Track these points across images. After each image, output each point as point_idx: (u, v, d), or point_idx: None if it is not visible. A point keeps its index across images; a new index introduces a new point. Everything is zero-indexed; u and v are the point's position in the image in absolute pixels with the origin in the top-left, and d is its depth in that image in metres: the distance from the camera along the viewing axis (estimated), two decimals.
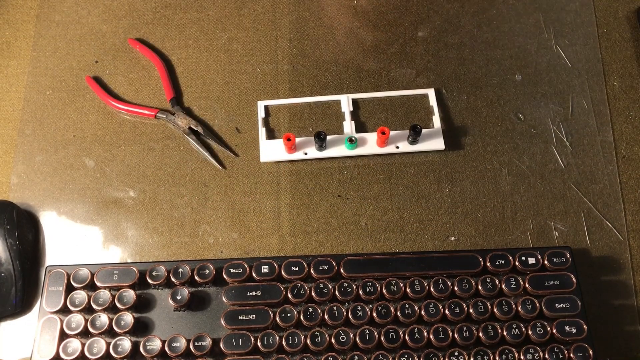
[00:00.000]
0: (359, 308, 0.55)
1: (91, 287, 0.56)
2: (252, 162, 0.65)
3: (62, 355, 0.53)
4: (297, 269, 0.57)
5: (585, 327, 0.55)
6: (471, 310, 0.55)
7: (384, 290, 0.56)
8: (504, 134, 0.66)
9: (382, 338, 0.54)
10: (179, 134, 0.66)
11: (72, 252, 0.61)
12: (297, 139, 0.64)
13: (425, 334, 0.54)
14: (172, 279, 0.56)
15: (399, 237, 0.62)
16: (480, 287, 0.56)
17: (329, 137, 0.64)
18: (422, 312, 0.55)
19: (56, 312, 0.55)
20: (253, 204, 0.63)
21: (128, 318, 0.55)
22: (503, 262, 0.57)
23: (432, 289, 0.56)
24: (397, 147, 0.65)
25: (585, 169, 0.64)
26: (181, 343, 0.54)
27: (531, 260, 0.57)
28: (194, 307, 0.56)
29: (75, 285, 0.56)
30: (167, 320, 0.56)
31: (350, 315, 0.55)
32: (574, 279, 0.57)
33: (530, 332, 0.55)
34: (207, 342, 0.54)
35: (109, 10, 0.72)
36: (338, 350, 0.54)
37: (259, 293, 0.56)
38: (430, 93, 0.67)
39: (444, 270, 0.57)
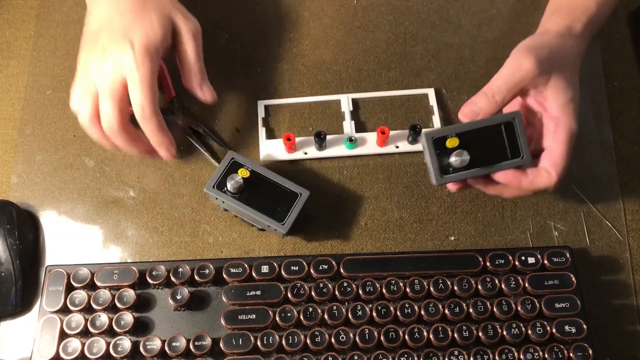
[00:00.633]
0: (359, 308, 0.55)
1: (91, 286, 0.57)
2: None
3: (62, 354, 0.53)
4: (297, 268, 0.57)
5: (584, 326, 0.55)
6: (471, 310, 0.55)
7: (384, 290, 0.56)
8: None
9: (382, 338, 0.54)
10: (178, 134, 0.66)
11: (72, 252, 0.61)
12: (297, 139, 0.64)
13: (425, 333, 0.54)
14: (172, 279, 0.56)
15: (399, 236, 0.62)
16: (480, 287, 0.56)
17: (328, 137, 0.64)
18: (422, 312, 0.55)
19: (56, 312, 0.55)
20: None
21: (128, 318, 0.55)
22: (503, 261, 0.57)
23: (431, 289, 0.56)
24: (397, 147, 0.65)
25: (585, 169, 0.64)
26: (181, 343, 0.54)
27: (531, 260, 0.57)
28: (194, 306, 0.56)
29: (75, 285, 0.56)
30: (167, 320, 0.56)
31: (350, 315, 0.55)
32: (573, 279, 0.57)
33: (530, 331, 0.55)
34: (207, 341, 0.54)
35: None
36: (338, 350, 0.54)
37: (258, 293, 0.56)
38: (430, 93, 0.67)
39: (444, 270, 0.57)
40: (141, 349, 0.53)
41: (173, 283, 0.56)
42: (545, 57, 0.53)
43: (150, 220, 0.62)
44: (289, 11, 0.72)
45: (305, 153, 0.64)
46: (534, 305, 0.55)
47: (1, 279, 0.57)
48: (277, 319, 0.55)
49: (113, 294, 0.56)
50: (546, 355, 0.54)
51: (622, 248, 0.61)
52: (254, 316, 0.55)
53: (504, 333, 0.55)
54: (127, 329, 0.54)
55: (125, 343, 0.54)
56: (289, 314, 0.55)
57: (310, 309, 0.55)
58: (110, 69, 0.54)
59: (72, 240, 0.61)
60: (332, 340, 0.54)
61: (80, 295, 0.55)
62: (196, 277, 0.56)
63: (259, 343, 0.54)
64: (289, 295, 0.56)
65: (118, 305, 0.55)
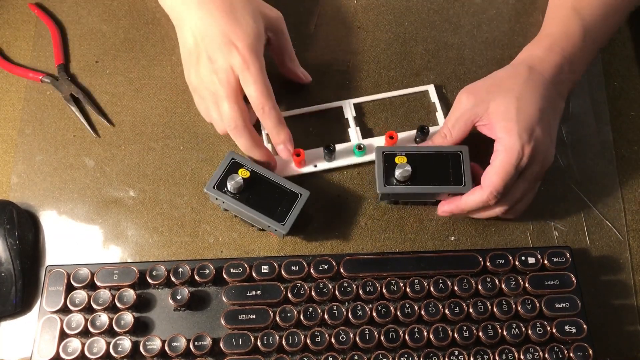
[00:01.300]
0: (359, 308, 0.55)
1: (91, 286, 0.56)
2: None
3: (62, 354, 0.53)
4: (297, 268, 0.57)
5: (585, 326, 0.55)
6: (471, 310, 0.55)
7: (384, 290, 0.56)
8: None
9: (382, 338, 0.54)
10: (179, 134, 0.66)
11: (72, 252, 0.61)
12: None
13: (425, 333, 0.54)
14: (172, 279, 0.56)
15: (399, 236, 0.62)
16: (480, 287, 0.56)
17: (337, 146, 0.63)
18: (422, 312, 0.55)
19: (56, 312, 0.55)
20: None
21: (128, 318, 0.55)
22: (503, 261, 0.57)
23: (432, 289, 0.56)
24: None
25: (585, 169, 0.64)
26: (181, 343, 0.54)
27: (531, 260, 0.57)
28: (194, 306, 0.56)
29: (75, 285, 0.56)
30: (167, 320, 0.56)
31: (350, 315, 0.55)
32: (573, 279, 0.57)
33: (530, 331, 0.55)
34: (207, 341, 0.54)
35: (109, 10, 0.72)
36: (338, 350, 0.54)
37: (258, 293, 0.56)
38: (430, 89, 0.67)
39: (444, 269, 0.57)
40: (141, 349, 0.53)
41: (173, 283, 0.56)
42: (481, 89, 0.59)
43: (150, 220, 0.62)
44: (289, 11, 0.72)
45: (315, 166, 0.63)
46: (534, 305, 0.55)
47: (1, 279, 0.57)
48: (277, 319, 0.55)
49: (113, 294, 0.56)
50: (546, 355, 0.54)
51: (622, 248, 0.61)
52: (254, 316, 0.55)
53: (504, 333, 0.55)
54: (127, 329, 0.54)
55: (126, 343, 0.54)
56: (289, 314, 0.55)
57: (311, 309, 0.55)
58: (223, 75, 0.56)
59: (72, 240, 0.61)
60: (332, 340, 0.54)
61: (81, 295, 0.55)
62: (196, 277, 0.56)
63: (259, 343, 0.54)
64: (289, 295, 0.56)
65: (118, 305, 0.55)
